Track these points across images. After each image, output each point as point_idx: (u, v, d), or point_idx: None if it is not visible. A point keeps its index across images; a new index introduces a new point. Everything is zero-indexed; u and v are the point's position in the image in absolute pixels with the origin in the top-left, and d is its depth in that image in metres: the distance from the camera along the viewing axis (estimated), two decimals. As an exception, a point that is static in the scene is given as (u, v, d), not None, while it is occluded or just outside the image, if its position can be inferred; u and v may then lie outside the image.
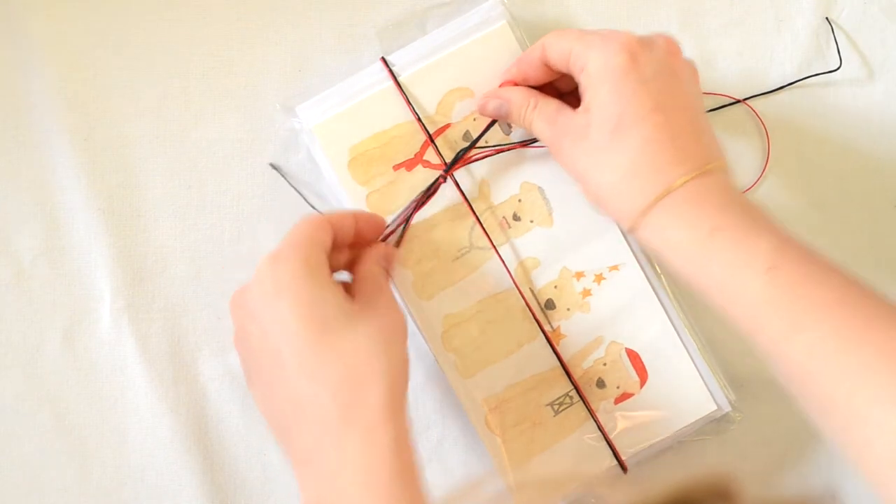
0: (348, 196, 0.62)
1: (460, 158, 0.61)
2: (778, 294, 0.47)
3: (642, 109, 0.52)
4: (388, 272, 0.58)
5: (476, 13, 0.62)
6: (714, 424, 0.63)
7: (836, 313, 0.46)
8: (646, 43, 0.53)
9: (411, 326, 0.62)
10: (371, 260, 0.56)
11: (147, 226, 0.64)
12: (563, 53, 0.55)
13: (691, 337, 0.63)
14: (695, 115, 0.53)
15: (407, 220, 0.61)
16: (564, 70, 0.56)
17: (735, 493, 0.31)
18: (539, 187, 0.62)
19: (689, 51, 0.64)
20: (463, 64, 0.61)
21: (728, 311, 0.49)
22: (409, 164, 0.62)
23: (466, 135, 0.62)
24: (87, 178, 0.63)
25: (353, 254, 0.57)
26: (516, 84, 0.59)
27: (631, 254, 0.62)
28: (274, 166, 0.63)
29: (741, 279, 0.48)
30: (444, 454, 0.64)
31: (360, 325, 0.51)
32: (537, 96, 0.57)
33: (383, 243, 0.59)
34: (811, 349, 0.46)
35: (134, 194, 0.64)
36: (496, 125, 0.61)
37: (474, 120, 0.62)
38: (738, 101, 0.65)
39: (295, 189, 0.63)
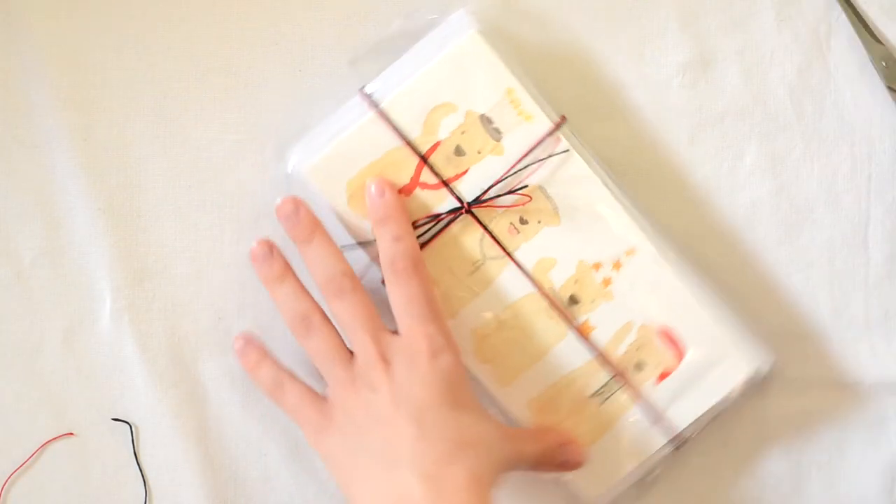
0: (352, 233, 0.61)
1: (486, 201, 0.61)
2: None
3: None
4: None
5: (445, 26, 0.61)
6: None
7: None
8: None
9: None
10: None
11: (147, 226, 0.64)
12: None
13: (718, 302, 0.62)
14: None
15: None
16: None
17: None
18: (540, 186, 0.62)
19: (689, 51, 0.65)
20: (440, 80, 0.61)
21: None
22: (407, 190, 0.61)
23: (458, 149, 0.61)
24: (87, 178, 0.63)
25: None
26: None
27: (642, 235, 0.62)
28: None
29: None
30: None
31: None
32: None
33: None
34: None
35: (134, 194, 0.64)
36: (486, 131, 0.61)
37: (462, 133, 0.61)
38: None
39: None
